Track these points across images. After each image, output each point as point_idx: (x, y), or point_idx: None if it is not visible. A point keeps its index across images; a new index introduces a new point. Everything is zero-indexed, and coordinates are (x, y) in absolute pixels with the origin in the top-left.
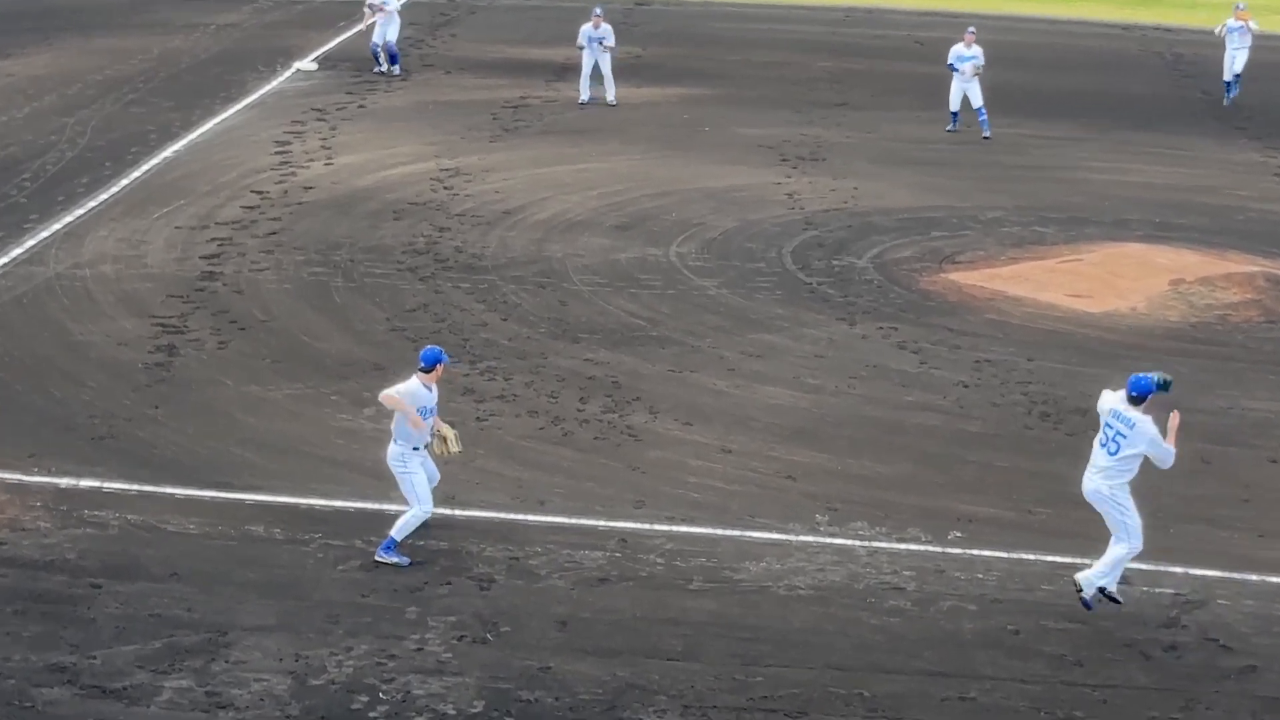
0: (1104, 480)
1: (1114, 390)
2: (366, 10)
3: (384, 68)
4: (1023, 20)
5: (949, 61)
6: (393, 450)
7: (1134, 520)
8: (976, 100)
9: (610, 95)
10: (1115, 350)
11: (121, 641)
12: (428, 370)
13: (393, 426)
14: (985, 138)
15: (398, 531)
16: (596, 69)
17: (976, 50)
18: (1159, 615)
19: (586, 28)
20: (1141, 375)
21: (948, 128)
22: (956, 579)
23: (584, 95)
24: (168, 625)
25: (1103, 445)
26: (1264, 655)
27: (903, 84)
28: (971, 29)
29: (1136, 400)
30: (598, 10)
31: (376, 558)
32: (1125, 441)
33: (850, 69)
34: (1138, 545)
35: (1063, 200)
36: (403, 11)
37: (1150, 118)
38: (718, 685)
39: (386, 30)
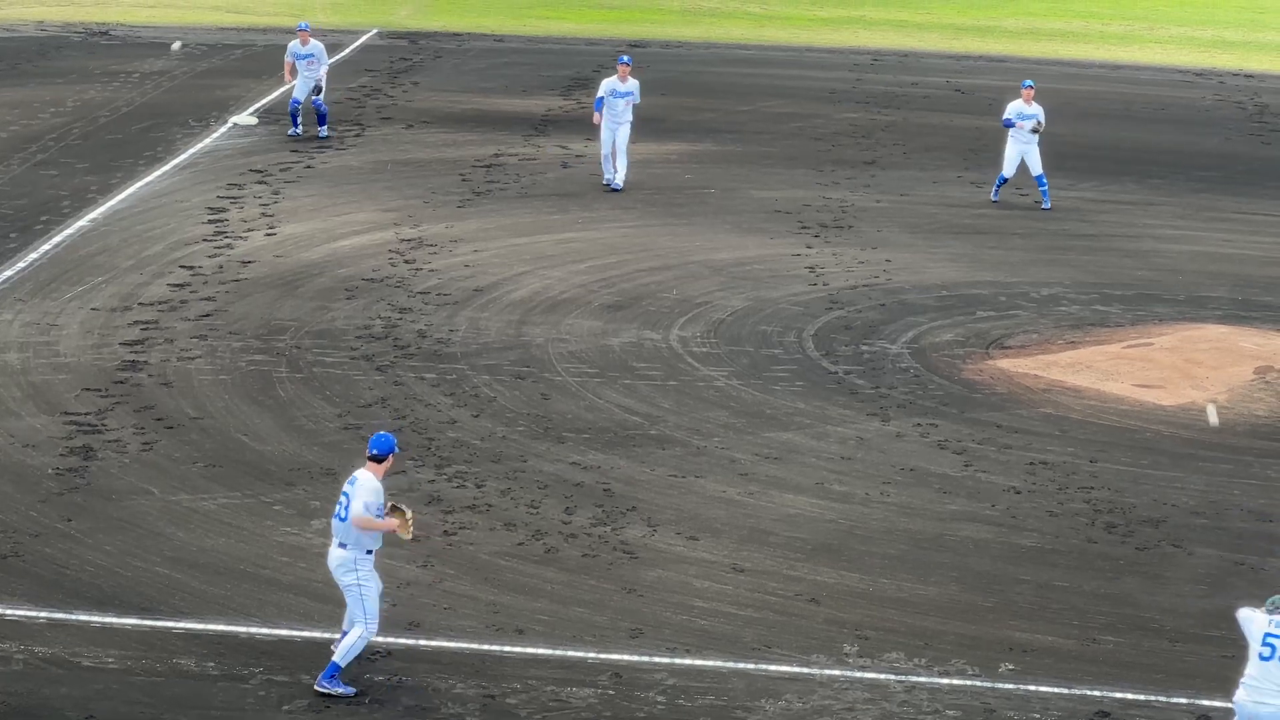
0: None
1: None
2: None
3: (299, 130)
4: (1079, 65)
5: (1005, 117)
6: (342, 556)
7: None
8: (1036, 167)
9: (620, 177)
10: (1192, 450)
11: None
12: (380, 460)
13: (343, 527)
14: (1045, 209)
15: (343, 656)
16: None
17: (1037, 108)
18: None
19: (611, 81)
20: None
21: (992, 196)
22: (1009, 719)
23: (609, 174)
24: None
25: (1266, 660)
26: None
27: (941, 139)
28: (1029, 83)
29: None
30: (625, 59)
31: (319, 688)
32: None
33: (880, 121)
34: None
35: (1129, 274)
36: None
37: (1230, 178)
38: None
39: (309, 85)
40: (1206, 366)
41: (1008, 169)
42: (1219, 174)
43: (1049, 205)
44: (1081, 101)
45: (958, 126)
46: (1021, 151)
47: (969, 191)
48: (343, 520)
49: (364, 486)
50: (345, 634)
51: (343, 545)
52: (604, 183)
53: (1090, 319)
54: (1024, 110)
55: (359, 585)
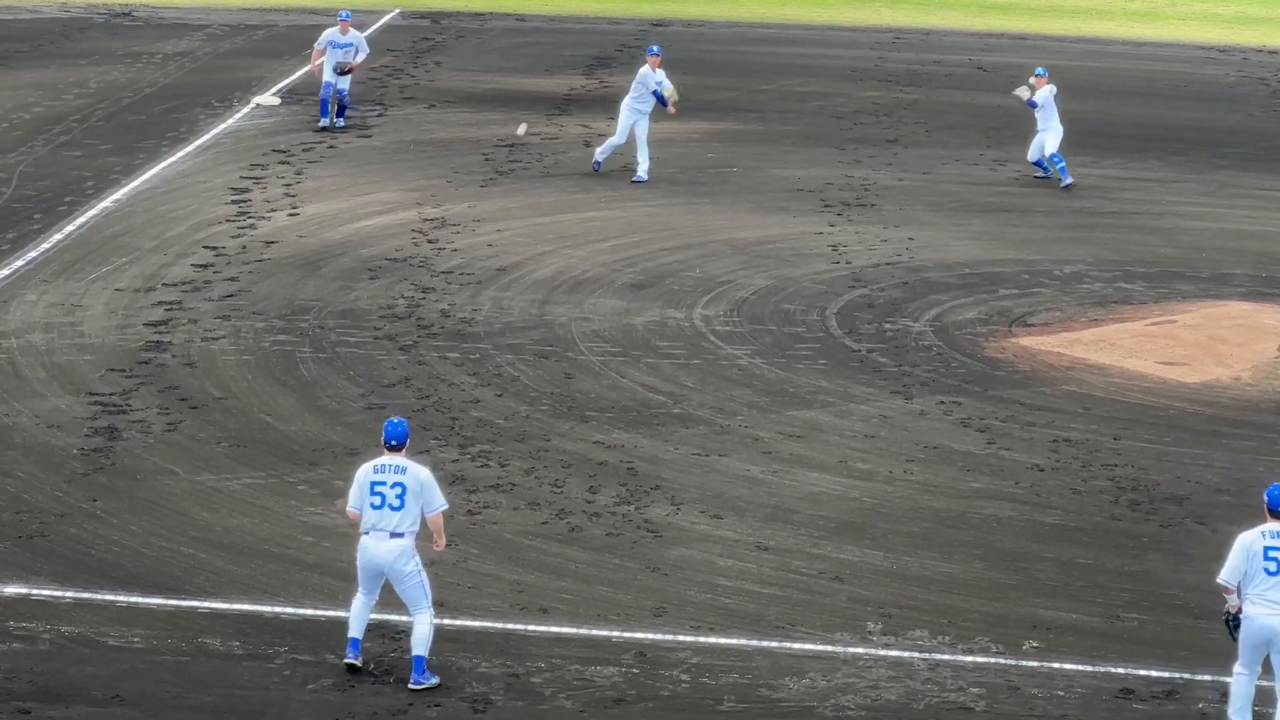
0: None
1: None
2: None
3: (329, 121)
4: (1102, 43)
5: (1030, 99)
6: (402, 545)
7: None
8: (1051, 146)
9: (643, 169)
10: (1216, 427)
11: None
12: (397, 448)
13: (399, 515)
14: (1064, 186)
15: (425, 646)
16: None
17: (1046, 93)
18: None
19: (645, 71)
20: None
21: (1049, 176)
22: (1033, 697)
23: (601, 156)
24: None
25: (1273, 574)
26: None
27: (963, 117)
28: (1041, 70)
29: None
30: (654, 49)
31: (415, 687)
32: None
33: (902, 100)
34: None
35: (1152, 252)
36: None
37: (1253, 155)
38: None
39: (341, 78)
40: (1230, 344)
41: (1032, 154)
42: (1242, 151)
43: (1068, 181)
44: (1104, 79)
45: (980, 104)
46: (1041, 136)
47: (991, 169)
48: (398, 510)
49: (429, 478)
50: (383, 630)
51: (398, 535)
52: (593, 165)
53: (1113, 296)
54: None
55: (419, 571)
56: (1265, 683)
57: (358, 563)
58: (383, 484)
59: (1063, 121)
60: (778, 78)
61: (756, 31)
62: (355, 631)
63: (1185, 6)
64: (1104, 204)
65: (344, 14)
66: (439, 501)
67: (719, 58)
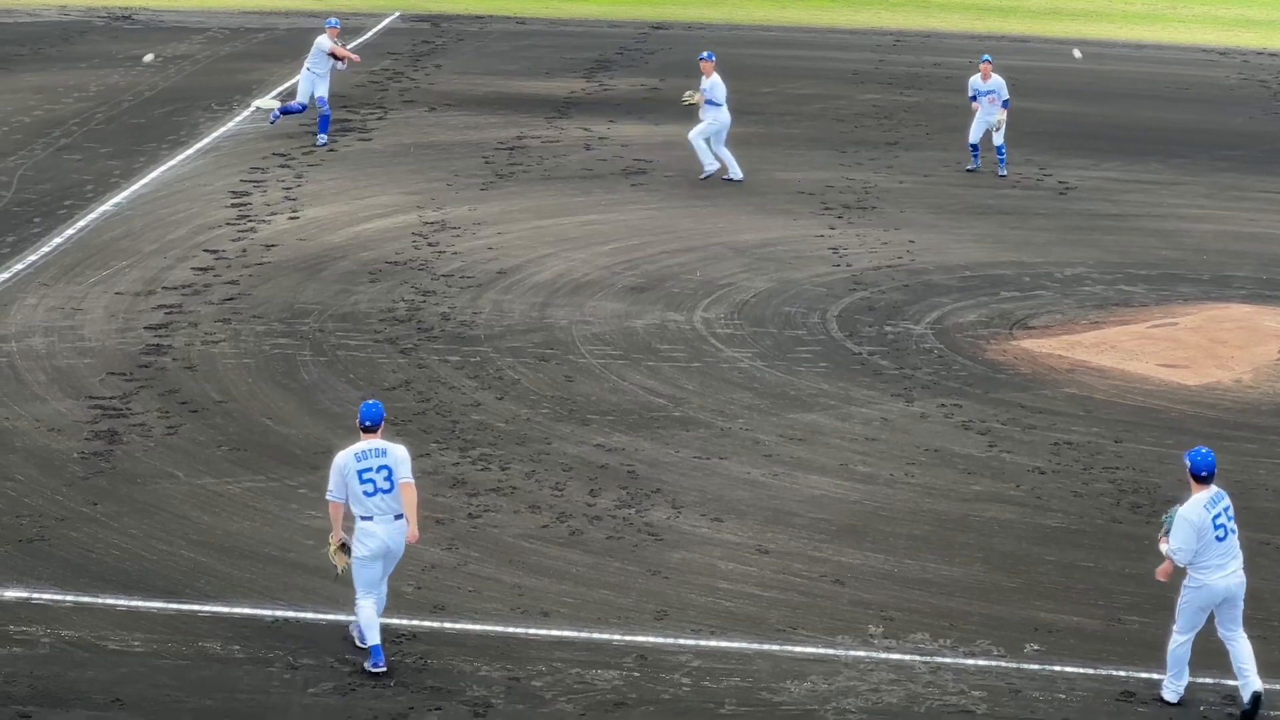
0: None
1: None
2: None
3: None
4: (1103, 45)
5: (970, 94)
6: (404, 526)
7: None
8: (999, 136)
9: (733, 170)
10: (1217, 429)
11: None
12: (373, 429)
13: (393, 498)
14: (1001, 176)
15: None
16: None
17: (996, 82)
18: None
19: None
20: (1202, 451)
21: (968, 166)
22: (1034, 700)
23: (711, 164)
24: None
25: (1222, 540)
26: None
27: (963, 120)
28: (987, 57)
29: (1208, 479)
30: (707, 55)
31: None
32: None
33: (902, 102)
34: None
35: (1153, 254)
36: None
37: (1255, 157)
38: None
39: (316, 86)
40: (1231, 346)
41: (972, 137)
42: (1243, 153)
43: (1004, 173)
44: (1105, 81)
45: None
46: (986, 121)
47: (992, 172)
48: (389, 492)
49: (405, 454)
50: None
51: (400, 516)
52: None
53: (1114, 299)
54: (980, 86)
55: None
56: (1231, 682)
57: (366, 551)
58: (369, 469)
59: (1062, 122)
60: (778, 80)
61: (757, 34)
62: (378, 637)
63: (1185, 9)
64: (1105, 206)
65: (330, 21)
66: (409, 474)
67: (720, 60)
